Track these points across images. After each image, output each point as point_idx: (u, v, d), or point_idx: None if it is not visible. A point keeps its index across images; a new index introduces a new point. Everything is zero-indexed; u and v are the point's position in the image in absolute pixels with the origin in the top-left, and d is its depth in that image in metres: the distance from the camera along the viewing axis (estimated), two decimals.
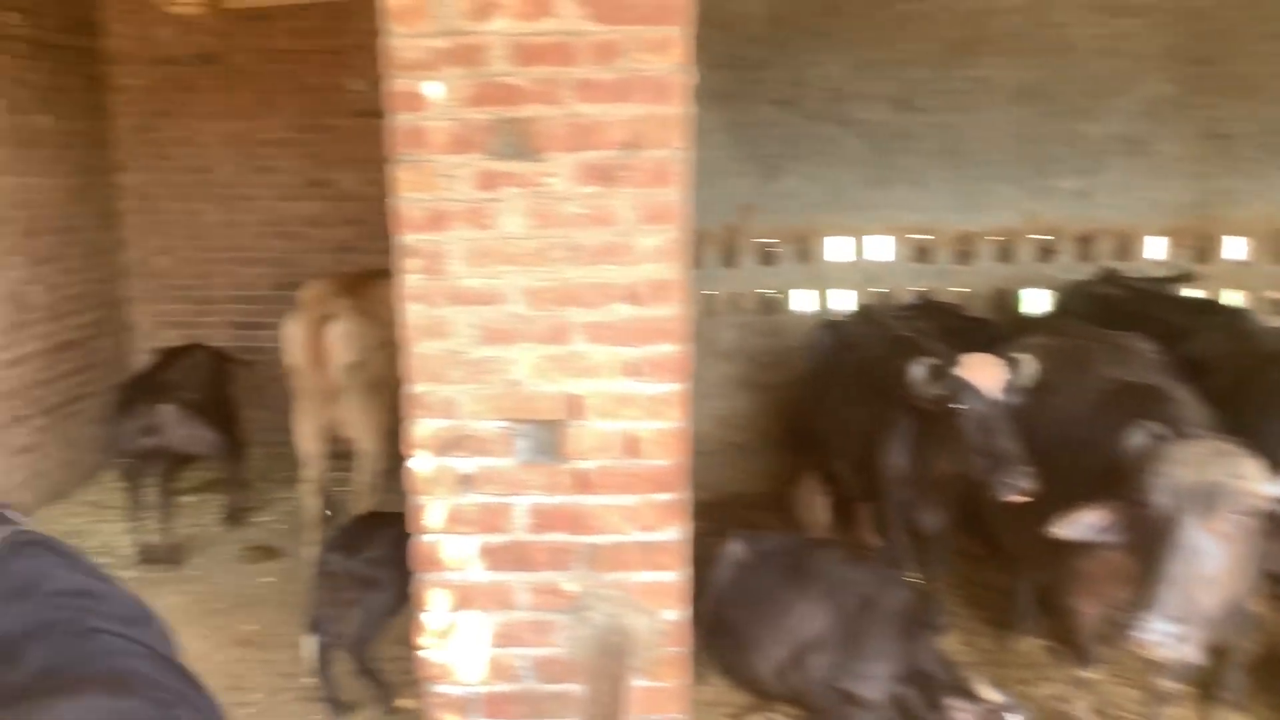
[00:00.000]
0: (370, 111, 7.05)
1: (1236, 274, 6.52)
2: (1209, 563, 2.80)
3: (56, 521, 6.26)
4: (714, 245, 6.76)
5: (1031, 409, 3.95)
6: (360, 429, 5.25)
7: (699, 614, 4.38)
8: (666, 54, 2.60)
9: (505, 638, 2.85)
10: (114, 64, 7.19)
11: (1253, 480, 2.83)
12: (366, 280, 5.51)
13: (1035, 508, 3.62)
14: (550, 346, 2.75)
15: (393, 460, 5.38)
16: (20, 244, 6.26)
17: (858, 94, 6.48)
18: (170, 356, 6.03)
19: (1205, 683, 4.20)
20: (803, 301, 6.87)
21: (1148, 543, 2.90)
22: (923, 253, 6.71)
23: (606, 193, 2.68)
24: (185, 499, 6.43)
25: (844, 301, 6.64)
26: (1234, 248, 6.51)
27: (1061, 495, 3.54)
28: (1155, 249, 6.54)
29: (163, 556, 5.55)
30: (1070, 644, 3.79)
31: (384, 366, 5.18)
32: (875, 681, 3.75)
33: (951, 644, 4.41)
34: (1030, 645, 4.65)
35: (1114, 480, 3.23)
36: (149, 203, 7.38)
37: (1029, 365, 3.98)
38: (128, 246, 7.42)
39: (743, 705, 4.17)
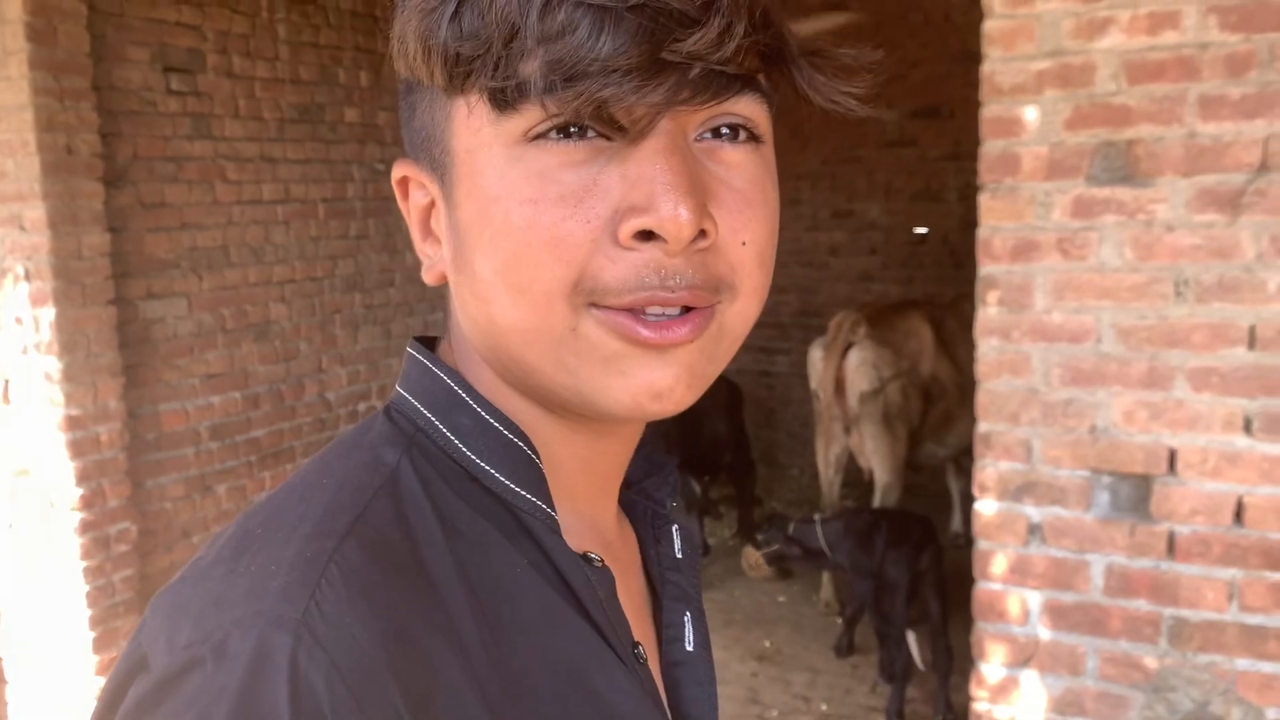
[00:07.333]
0: (899, 142, 7.09)
1: None
2: None
3: None
4: None
5: None
6: (875, 458, 5.21)
7: None
8: None
9: (1068, 704, 2.61)
10: None
11: None
12: (893, 311, 5.46)
13: None
14: (1144, 392, 2.48)
15: (903, 491, 5.29)
16: None
17: None
18: None
19: None
20: None
21: None
22: None
23: (1227, 221, 2.36)
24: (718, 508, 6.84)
25: None
26: None
27: None
28: None
29: None
30: None
31: (900, 398, 5.10)
32: None
33: None
34: None
35: None
36: None
37: None
38: None
39: None
